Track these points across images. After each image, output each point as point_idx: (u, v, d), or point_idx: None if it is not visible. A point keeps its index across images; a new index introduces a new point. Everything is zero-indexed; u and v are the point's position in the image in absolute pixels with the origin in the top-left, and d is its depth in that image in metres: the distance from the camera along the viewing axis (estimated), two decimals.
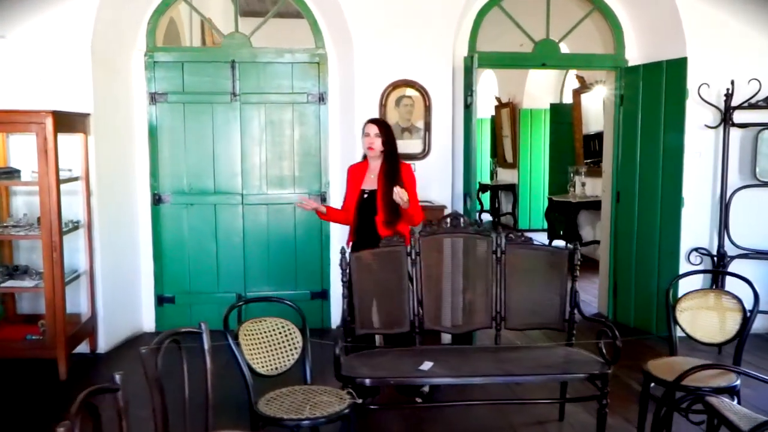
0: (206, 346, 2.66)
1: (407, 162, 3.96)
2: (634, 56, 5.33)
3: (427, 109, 4.92)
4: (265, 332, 3.08)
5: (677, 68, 4.87)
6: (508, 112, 10.45)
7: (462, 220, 3.74)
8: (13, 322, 4.58)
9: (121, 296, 5.00)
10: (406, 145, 4.94)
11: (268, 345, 3.07)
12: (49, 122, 4.02)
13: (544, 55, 5.34)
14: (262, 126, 5.25)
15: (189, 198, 5.25)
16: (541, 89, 9.96)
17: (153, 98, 5.13)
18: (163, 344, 2.43)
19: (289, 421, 2.70)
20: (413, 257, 3.65)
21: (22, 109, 4.21)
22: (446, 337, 4.70)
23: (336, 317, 5.37)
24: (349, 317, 3.46)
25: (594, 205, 7.52)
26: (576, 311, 3.57)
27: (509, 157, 10.81)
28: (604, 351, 3.29)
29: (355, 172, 3.94)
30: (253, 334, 3.03)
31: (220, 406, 2.83)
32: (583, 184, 8.05)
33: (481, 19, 5.22)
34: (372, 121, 3.88)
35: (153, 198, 5.21)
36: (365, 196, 3.83)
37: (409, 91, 4.91)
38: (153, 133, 5.17)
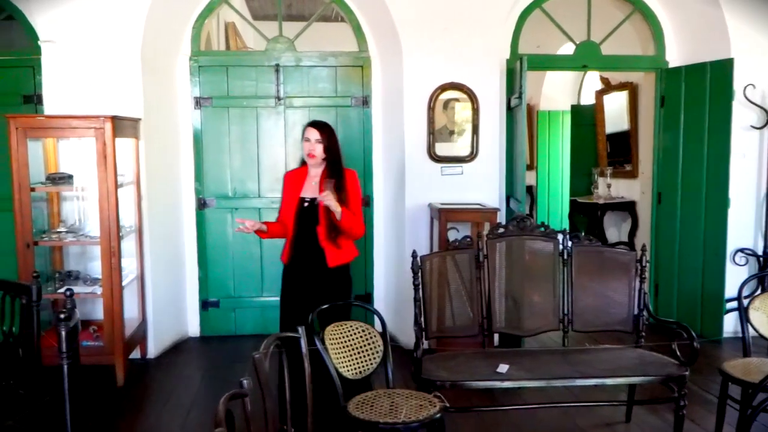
0: (304, 351, 2.66)
1: (351, 169, 3.54)
2: (674, 57, 5.36)
3: (475, 111, 4.93)
4: (348, 336, 3.08)
5: (723, 69, 4.90)
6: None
7: (529, 222, 3.75)
8: None
9: (168, 301, 4.99)
10: (453, 148, 4.96)
11: (352, 349, 3.06)
12: (108, 127, 4.01)
13: (585, 57, 5.37)
14: None
15: (233, 202, 5.24)
16: (558, 91, 10.00)
17: (198, 103, 5.12)
18: (270, 349, 2.43)
19: (385, 425, 2.71)
20: (480, 259, 3.65)
21: (81, 114, 4.19)
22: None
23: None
24: (421, 321, 3.47)
25: (620, 207, 7.55)
26: (645, 313, 3.59)
27: (526, 159, 10.82)
28: (678, 353, 3.31)
29: (294, 179, 3.52)
30: (337, 338, 3.03)
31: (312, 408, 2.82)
32: (608, 186, 8.07)
33: (523, 21, 5.24)
34: (312, 124, 3.47)
35: (198, 202, 5.20)
36: (305, 204, 3.41)
37: (457, 94, 4.92)
38: (198, 137, 5.16)
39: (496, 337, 4.66)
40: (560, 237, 3.69)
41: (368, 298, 5.41)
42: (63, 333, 2.05)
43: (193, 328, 5.29)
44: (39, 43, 4.49)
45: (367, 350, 3.09)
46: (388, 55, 5.08)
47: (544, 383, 3.27)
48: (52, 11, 4.48)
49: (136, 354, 4.65)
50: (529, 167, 10.72)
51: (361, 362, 3.06)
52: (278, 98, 5.18)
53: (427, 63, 4.86)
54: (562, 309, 3.67)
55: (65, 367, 2.05)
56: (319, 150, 3.39)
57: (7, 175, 4.06)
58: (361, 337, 3.11)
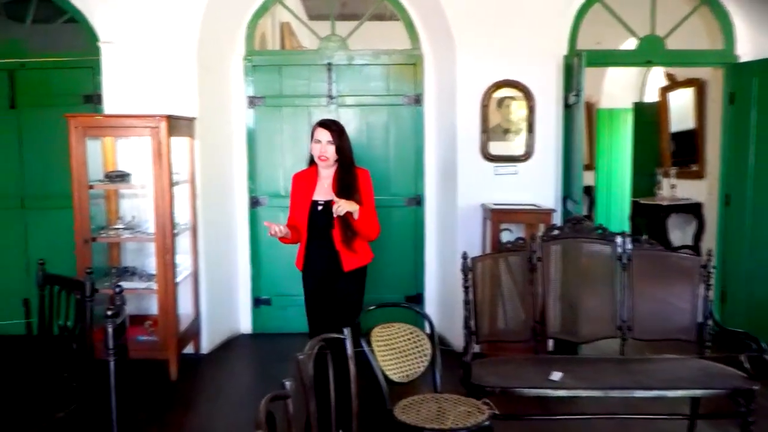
0: (349, 352, 2.62)
1: (363, 168, 3.43)
2: (745, 51, 5.07)
3: (530, 109, 4.79)
4: (394, 338, 3.02)
5: None
6: (584, 112, 10.17)
7: (585, 223, 3.60)
8: None
9: (221, 298, 5.05)
10: (507, 147, 4.83)
11: (399, 351, 3.01)
12: (163, 126, 4.08)
13: (649, 52, 5.14)
14: (357, 128, 5.22)
15: (285, 201, 5.19)
16: (620, 88, 9.66)
17: (251, 102, 5.17)
18: (314, 350, 2.39)
19: (431, 430, 2.63)
20: (534, 262, 3.53)
21: (137, 113, 4.28)
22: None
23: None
24: (471, 325, 3.37)
25: (685, 209, 7.22)
26: (710, 321, 3.39)
27: (584, 159, 10.51)
28: (747, 365, 3.10)
29: (303, 181, 3.39)
30: (384, 340, 2.98)
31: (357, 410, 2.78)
32: (673, 186, 7.74)
33: (582, 16, 5.05)
34: (323, 124, 3.32)
35: (250, 201, 5.24)
36: (319, 207, 3.30)
37: (512, 92, 4.79)
38: (251, 136, 5.20)
39: (550, 342, 4.52)
40: (618, 240, 3.53)
41: (419, 299, 5.34)
42: (110, 329, 2.06)
43: (245, 325, 5.34)
44: (98, 44, 4.61)
45: (414, 353, 3.03)
46: (441, 52, 5.00)
47: (600, 393, 3.12)
48: (112, 13, 4.59)
49: (189, 349, 4.72)
50: (589, 167, 10.40)
51: (409, 365, 2.99)
52: (330, 97, 5.17)
53: (480, 60, 4.75)
54: (620, 315, 3.51)
55: (112, 363, 2.07)
56: (330, 151, 3.28)
57: (67, 173, 4.18)
58: (408, 339, 3.05)
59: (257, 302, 5.32)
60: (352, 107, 5.20)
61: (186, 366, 4.48)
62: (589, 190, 10.39)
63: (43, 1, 4.91)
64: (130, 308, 4.82)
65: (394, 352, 2.98)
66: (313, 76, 5.18)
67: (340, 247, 3.28)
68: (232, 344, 5.09)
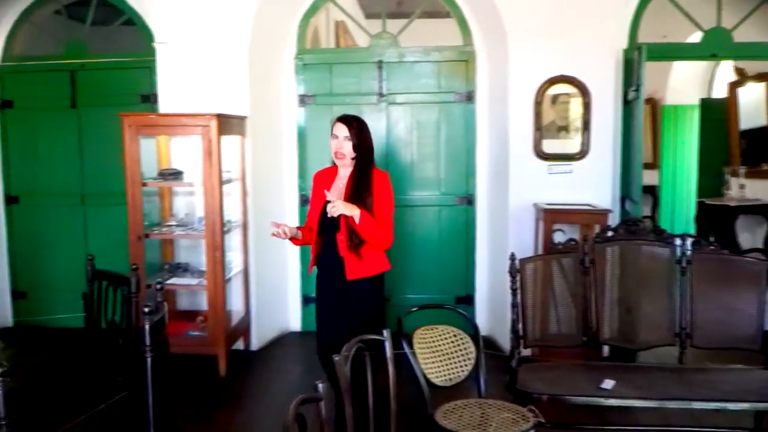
0: (389, 354, 2.56)
1: (383, 170, 3.19)
2: None
3: (586, 106, 4.61)
4: (437, 341, 2.95)
5: None
6: (648, 108, 9.79)
7: (641, 225, 3.43)
8: (174, 318, 4.73)
9: (271, 295, 5.08)
10: (562, 145, 4.67)
11: (441, 354, 2.93)
12: (213, 125, 4.12)
13: (715, 45, 4.86)
14: (408, 127, 5.16)
15: None
16: (687, 83, 9.25)
17: (302, 100, 5.18)
18: (352, 352, 2.35)
19: None
20: (587, 265, 3.39)
21: (188, 112, 4.35)
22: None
23: (481, 323, 5.16)
24: (518, 328, 3.26)
25: (755, 210, 6.84)
26: None
27: (647, 157, 10.13)
28: None
29: (322, 180, 3.18)
30: (426, 342, 2.91)
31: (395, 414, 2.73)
32: (742, 186, 7.35)
33: (643, 8, 4.83)
34: (341, 119, 3.09)
35: (300, 199, 5.25)
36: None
37: (567, 88, 4.62)
38: (301, 134, 5.22)
39: (605, 349, 4.35)
40: (678, 242, 3.34)
41: (469, 300, 5.23)
42: (146, 326, 2.07)
43: (295, 323, 5.36)
44: (154, 44, 4.71)
45: (458, 356, 2.95)
46: (494, 48, 4.88)
47: (655, 403, 2.96)
48: (166, 14, 4.68)
49: (239, 345, 4.77)
50: (652, 166, 10.03)
51: (452, 368, 2.92)
52: (381, 95, 5.12)
53: (534, 55, 4.60)
54: (679, 322, 3.33)
55: (148, 359, 2.08)
56: (347, 148, 3.03)
57: (124, 171, 4.28)
58: (452, 342, 2.97)
59: (306, 300, 5.32)
60: (402, 105, 5.14)
61: (235, 362, 4.53)
62: (652, 190, 10.01)
63: (102, 4, 5.05)
64: (182, 304, 4.97)
65: (437, 355, 2.91)
66: (363, 74, 5.14)
67: (345, 253, 3.00)
68: (281, 342, 5.12)
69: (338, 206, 2.88)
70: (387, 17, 5.19)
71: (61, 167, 5.27)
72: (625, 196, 4.83)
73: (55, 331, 5.17)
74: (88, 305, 3.03)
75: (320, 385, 1.97)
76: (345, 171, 3.12)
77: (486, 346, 4.79)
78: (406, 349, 2.79)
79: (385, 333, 2.56)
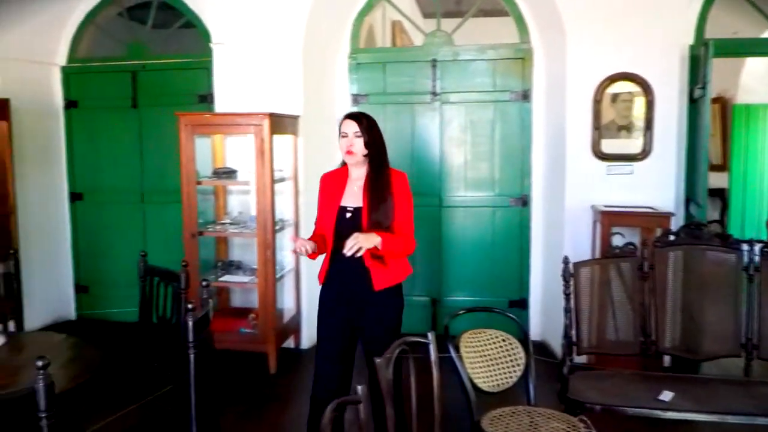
0: (433, 357, 2.50)
1: (400, 171, 2.94)
2: None
3: (649, 104, 4.42)
4: (485, 345, 2.87)
5: None
6: (718, 108, 9.35)
7: (705, 229, 3.25)
8: (226, 314, 4.81)
9: None
10: (622, 145, 4.49)
11: (489, 359, 2.85)
12: (266, 124, 4.15)
13: None
14: (462, 126, 5.08)
15: None
16: (760, 81, 8.78)
17: (355, 100, 5.17)
18: (395, 353, 2.31)
19: None
20: (645, 270, 3.23)
21: (241, 112, 4.40)
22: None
23: (535, 328, 5.05)
24: (571, 334, 3.14)
25: None
26: None
27: (716, 159, 9.68)
28: None
29: (332, 183, 2.94)
30: (473, 347, 2.84)
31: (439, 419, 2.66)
32: None
33: (710, 2, 4.60)
34: (350, 116, 2.88)
35: None
36: (347, 215, 2.84)
37: (628, 86, 4.44)
38: None
39: (666, 359, 4.16)
40: (744, 247, 3.14)
41: (523, 304, 5.10)
42: (190, 323, 2.08)
43: None
44: (210, 45, 4.79)
45: (506, 361, 2.86)
46: (552, 45, 4.74)
47: (716, 417, 2.79)
48: (223, 15, 4.75)
49: (290, 343, 4.80)
50: (721, 168, 9.58)
51: (500, 374, 2.83)
52: (434, 94, 5.06)
53: (594, 52, 4.44)
54: (745, 332, 3.14)
55: (191, 356, 2.09)
56: (358, 145, 2.81)
57: (179, 169, 4.37)
58: (500, 346, 2.88)
59: None
60: (456, 104, 5.06)
61: (285, 360, 4.55)
62: (721, 194, 9.57)
63: (162, 6, 5.18)
64: (235, 301, 5.04)
65: (485, 360, 2.83)
66: (417, 73, 5.09)
67: (371, 263, 2.76)
68: None
69: (360, 242, 2.62)
70: (444, 16, 5.12)
71: (122, 165, 5.44)
72: (689, 198, 4.61)
73: (114, 325, 5.35)
74: (141, 300, 3.08)
75: (359, 388, 1.93)
76: (358, 172, 2.89)
77: (539, 352, 4.68)
78: (452, 353, 2.72)
79: (430, 335, 2.50)
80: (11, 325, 3.14)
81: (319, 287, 2.96)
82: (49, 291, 5.43)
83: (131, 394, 3.46)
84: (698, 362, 3.77)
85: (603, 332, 3.25)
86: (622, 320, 3.26)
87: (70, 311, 5.64)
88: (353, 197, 2.85)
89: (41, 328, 5.16)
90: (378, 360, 2.18)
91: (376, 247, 2.69)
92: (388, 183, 2.82)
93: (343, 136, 2.85)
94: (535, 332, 5.05)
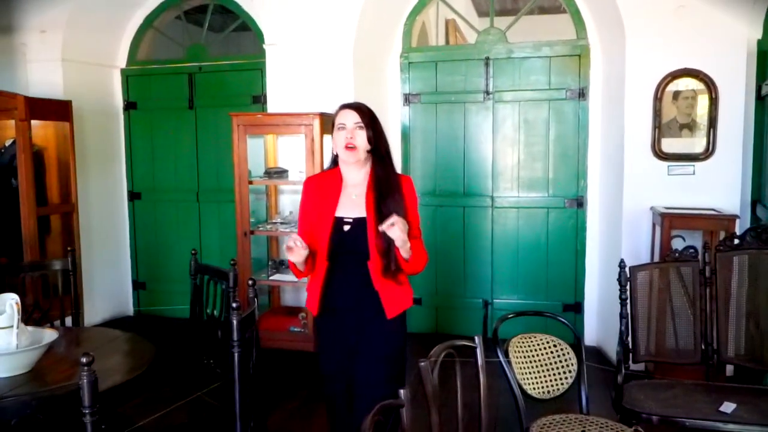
0: (480, 362, 2.43)
1: (405, 175, 2.55)
2: None
3: (713, 102, 4.22)
4: (535, 350, 2.78)
5: None
6: None
7: None
8: (278, 313, 4.85)
9: None
10: (683, 144, 4.30)
11: (539, 365, 2.76)
12: (316, 124, 4.16)
13: None
14: (515, 125, 4.98)
15: (439, 199, 5.16)
16: None
17: (407, 99, 5.13)
18: (440, 357, 2.26)
19: None
20: (707, 275, 3.08)
21: (292, 112, 4.43)
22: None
23: (590, 333, 4.90)
24: (627, 341, 3.02)
25: None
26: None
27: None
28: None
29: (319, 189, 2.44)
30: (523, 352, 2.75)
31: (487, 425, 2.60)
32: None
33: None
34: (349, 106, 2.44)
35: None
36: (346, 227, 2.36)
37: (691, 82, 4.25)
38: (406, 133, 5.17)
39: (729, 368, 3.96)
40: None
41: (578, 308, 4.96)
42: (234, 321, 2.09)
43: None
44: (264, 46, 4.84)
45: (557, 367, 2.76)
46: (610, 41, 4.58)
47: None
48: (276, 17, 4.79)
49: None
50: None
51: (551, 380, 2.74)
52: (487, 92, 4.97)
53: (654, 48, 4.27)
54: None
55: (236, 354, 2.09)
56: (361, 139, 2.35)
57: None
58: (551, 352, 2.79)
59: None
60: (509, 103, 4.96)
61: None
62: None
63: (219, 9, 5.28)
64: (287, 300, 5.07)
65: (535, 365, 2.74)
66: (470, 72, 5.02)
67: (381, 285, 2.31)
68: None
69: (400, 226, 2.19)
70: (499, 14, 5.04)
71: (178, 165, 5.58)
72: (756, 200, 4.38)
73: (169, 321, 5.48)
74: (192, 298, 3.13)
75: (402, 392, 1.90)
76: (356, 175, 2.41)
77: (594, 358, 4.55)
78: (501, 358, 2.65)
79: (477, 339, 2.44)
80: (68, 321, 3.23)
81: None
82: (109, 287, 5.61)
83: (181, 389, 3.53)
84: (763, 373, 3.58)
85: (661, 340, 3.12)
86: (682, 327, 3.12)
87: (128, 307, 5.82)
88: (351, 206, 2.37)
89: (101, 324, 5.33)
90: (423, 363, 2.14)
91: (400, 254, 2.27)
92: (398, 187, 2.36)
93: (340, 128, 2.38)
94: (590, 338, 4.90)
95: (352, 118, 2.38)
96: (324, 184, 2.44)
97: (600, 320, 4.83)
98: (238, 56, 5.34)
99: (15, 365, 2.14)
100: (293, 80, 4.78)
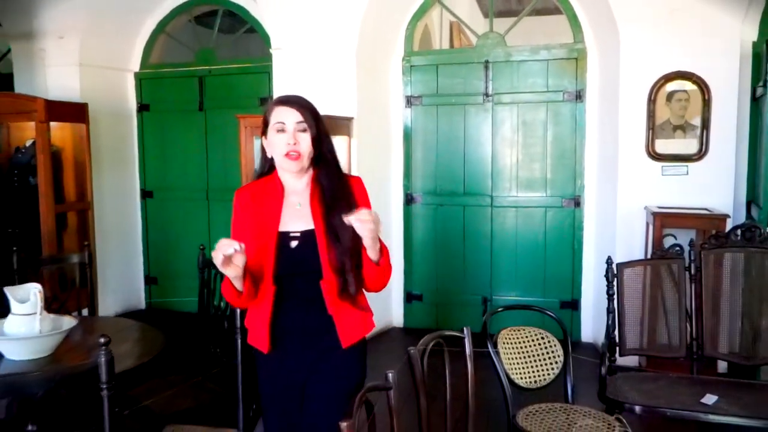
0: (468, 352, 2.59)
1: (355, 176, 2.15)
2: None
3: (706, 103, 4.34)
4: (523, 342, 2.93)
5: None
6: None
7: (759, 232, 3.19)
8: None
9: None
10: (677, 145, 4.42)
11: (527, 356, 2.91)
12: None
13: None
14: (514, 126, 5.11)
15: (439, 198, 5.31)
16: None
17: (408, 101, 5.29)
18: (429, 346, 2.41)
19: None
20: (693, 272, 3.21)
21: None
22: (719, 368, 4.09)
23: (587, 330, 5.03)
24: (614, 335, 3.16)
25: None
26: None
27: None
28: None
29: (255, 202, 2.04)
30: (512, 343, 2.90)
31: (475, 412, 2.74)
32: None
33: None
34: (285, 101, 2.04)
35: (405, 198, 5.37)
36: (293, 243, 1.98)
37: (684, 84, 4.37)
38: (407, 135, 5.32)
39: (723, 365, 4.07)
40: None
41: (575, 305, 5.09)
42: (238, 310, 2.25)
43: (398, 319, 5.49)
44: (270, 50, 5.01)
45: (544, 359, 2.91)
46: (606, 44, 4.71)
47: (761, 423, 2.75)
48: (282, 21, 4.96)
49: None
50: None
51: (538, 371, 2.88)
52: (486, 95, 5.11)
53: (648, 51, 4.39)
54: None
55: (238, 341, 2.27)
56: (305, 143, 1.96)
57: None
58: (538, 344, 2.93)
59: (409, 297, 5.43)
60: (508, 105, 5.10)
61: None
62: None
63: (228, 13, 5.46)
64: None
65: (523, 356, 2.89)
66: (470, 75, 5.16)
67: (336, 309, 1.96)
68: (383, 337, 5.26)
69: (371, 217, 1.82)
70: (499, 16, 5.17)
71: (189, 165, 5.78)
72: (751, 201, 4.49)
73: (179, 314, 5.67)
74: (200, 291, 3.30)
75: (390, 375, 2.05)
76: (297, 182, 2.03)
77: (589, 353, 4.68)
78: (490, 349, 2.80)
79: (466, 330, 2.59)
80: (84, 312, 3.42)
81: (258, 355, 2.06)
82: (122, 282, 5.82)
83: (188, 376, 3.71)
84: (756, 369, 3.69)
85: (648, 334, 3.24)
86: (669, 323, 3.24)
87: (140, 301, 6.02)
88: (296, 218, 1.99)
89: (114, 316, 5.53)
90: (412, 350, 2.28)
91: (369, 258, 1.92)
92: (348, 191, 2.00)
93: (278, 131, 1.98)
94: (586, 334, 5.04)
95: (292, 117, 1.97)
96: (260, 195, 2.03)
97: (596, 317, 4.95)
98: (246, 60, 5.52)
99: (38, 348, 2.32)
100: (298, 83, 4.95)
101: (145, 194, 5.96)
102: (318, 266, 1.94)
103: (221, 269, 1.80)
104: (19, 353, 2.29)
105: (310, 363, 2.01)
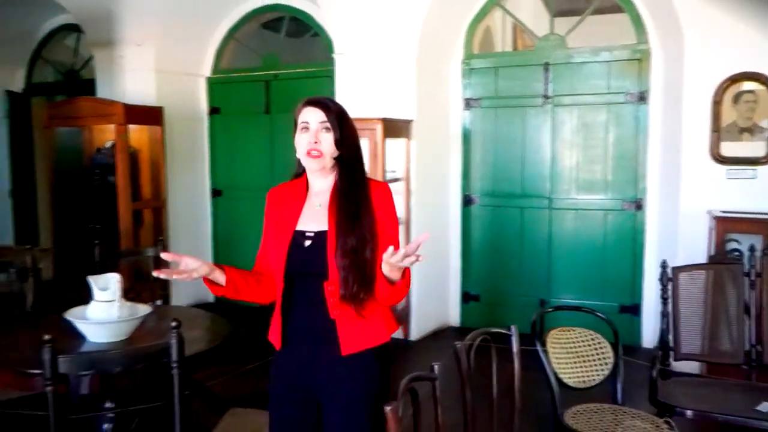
0: (515, 349, 2.65)
1: (381, 182, 2.14)
2: None
3: None
4: (573, 342, 2.96)
5: None
6: None
7: None
8: None
9: (432, 290, 5.32)
10: (743, 148, 4.32)
11: (576, 356, 2.94)
12: (379, 128, 4.47)
13: None
14: (573, 128, 5.10)
15: (497, 200, 5.35)
16: None
17: (468, 104, 5.35)
18: (476, 341, 2.49)
19: None
20: (752, 278, 3.15)
21: (358, 117, 4.74)
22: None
23: (648, 335, 4.96)
24: (668, 339, 3.14)
25: None
26: None
27: None
28: None
29: (283, 201, 2.07)
30: (561, 343, 2.94)
31: (522, 410, 2.80)
32: None
33: None
34: (312, 102, 2.03)
35: (463, 199, 5.44)
36: (306, 243, 1.98)
37: (752, 85, 4.26)
38: (466, 137, 5.39)
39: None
40: None
41: (635, 309, 5.02)
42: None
43: (454, 318, 5.56)
44: (333, 56, 5.19)
45: (594, 360, 2.93)
46: (670, 45, 4.64)
47: None
48: (345, 27, 5.13)
49: (399, 334, 5.08)
50: None
51: (587, 371, 2.91)
52: (546, 97, 5.12)
53: (714, 51, 4.30)
54: None
55: None
56: (327, 143, 1.95)
57: None
58: (588, 345, 2.96)
59: (466, 297, 5.50)
60: (568, 107, 5.09)
61: (394, 349, 4.83)
62: None
63: (293, 19, 5.68)
64: None
65: (572, 356, 2.92)
66: (529, 77, 5.18)
67: (339, 313, 1.93)
68: (439, 335, 5.35)
69: (404, 256, 1.75)
70: (560, 15, 5.16)
71: (255, 165, 6.04)
72: None
73: (243, 307, 5.85)
74: None
75: (436, 366, 2.15)
76: (322, 182, 2.03)
77: (647, 358, 4.60)
78: (538, 347, 2.85)
79: (513, 328, 2.66)
80: (158, 302, 3.68)
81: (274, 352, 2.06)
82: None
83: (247, 362, 3.92)
84: None
85: (705, 339, 3.21)
86: (726, 328, 3.20)
87: (209, 294, 6.27)
88: (314, 218, 1.99)
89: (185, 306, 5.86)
90: (458, 344, 2.37)
91: (386, 280, 1.87)
92: (365, 195, 1.97)
93: (303, 130, 1.99)
94: (647, 339, 4.96)
95: (316, 116, 1.98)
96: (288, 195, 2.08)
97: (657, 322, 4.88)
98: (309, 64, 5.73)
99: (116, 332, 2.56)
100: (360, 86, 5.10)
101: (215, 193, 6.27)
102: (324, 268, 1.93)
103: (190, 279, 1.92)
104: (100, 336, 2.54)
105: (313, 366, 1.98)
